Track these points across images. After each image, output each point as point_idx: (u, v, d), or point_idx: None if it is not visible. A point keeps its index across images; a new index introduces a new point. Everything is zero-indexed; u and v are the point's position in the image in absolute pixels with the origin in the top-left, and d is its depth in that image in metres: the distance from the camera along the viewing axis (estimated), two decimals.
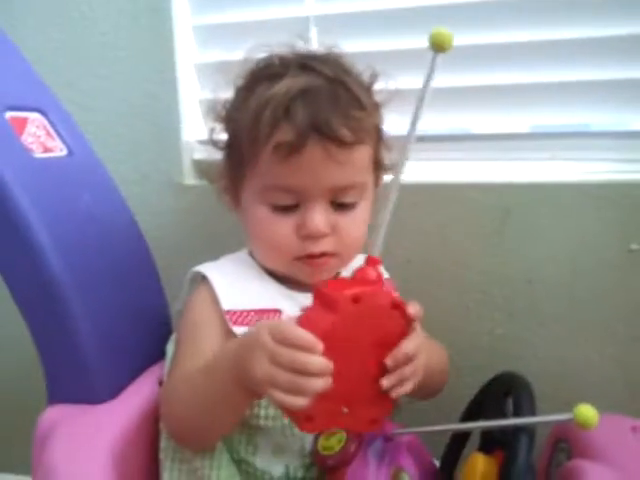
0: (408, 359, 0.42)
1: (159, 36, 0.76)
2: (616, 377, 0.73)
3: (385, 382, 0.41)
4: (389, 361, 0.41)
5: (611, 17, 0.67)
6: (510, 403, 0.51)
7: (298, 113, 0.47)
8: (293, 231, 0.51)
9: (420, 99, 0.40)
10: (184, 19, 0.78)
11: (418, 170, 0.75)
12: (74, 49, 0.79)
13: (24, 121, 0.55)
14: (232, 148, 0.56)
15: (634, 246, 0.69)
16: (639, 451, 0.52)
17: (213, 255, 0.60)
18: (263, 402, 0.50)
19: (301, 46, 0.55)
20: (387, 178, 0.43)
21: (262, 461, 0.51)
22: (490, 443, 0.53)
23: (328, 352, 0.37)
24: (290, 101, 0.48)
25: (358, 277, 0.40)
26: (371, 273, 0.40)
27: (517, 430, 0.45)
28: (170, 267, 0.66)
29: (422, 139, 0.75)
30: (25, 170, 0.51)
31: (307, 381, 0.37)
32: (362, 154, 0.52)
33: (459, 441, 0.59)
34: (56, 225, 0.51)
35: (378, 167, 0.57)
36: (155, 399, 0.54)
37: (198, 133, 0.79)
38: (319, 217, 0.50)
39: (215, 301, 0.52)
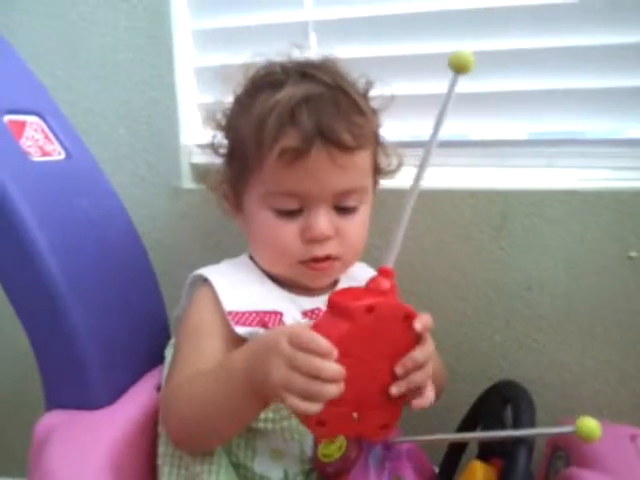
0: (417, 367, 0.42)
1: (158, 39, 0.76)
2: (615, 384, 0.73)
3: (394, 389, 0.42)
4: (398, 369, 0.42)
5: (609, 26, 0.68)
6: (509, 411, 0.51)
7: (303, 118, 0.48)
8: (297, 235, 0.52)
9: (438, 123, 0.41)
10: (183, 23, 0.77)
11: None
12: (72, 52, 0.78)
13: (22, 124, 0.55)
14: (234, 155, 0.56)
15: (633, 253, 0.69)
16: (637, 459, 0.52)
17: (211, 259, 0.59)
18: None
19: (298, 53, 0.56)
20: (405, 188, 0.44)
21: (261, 466, 0.51)
22: (489, 451, 0.53)
23: (341, 359, 0.37)
24: (294, 107, 0.48)
25: (371, 287, 0.41)
26: (384, 283, 0.40)
27: (517, 441, 0.45)
28: (168, 271, 0.66)
29: (420, 145, 0.76)
30: (23, 174, 0.51)
31: (321, 387, 0.37)
32: (363, 159, 0.53)
33: (458, 449, 0.58)
34: (54, 229, 0.50)
35: (376, 171, 0.58)
36: (153, 404, 0.54)
37: (196, 137, 0.79)
38: (324, 221, 0.51)
39: (216, 302, 0.52)
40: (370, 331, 0.39)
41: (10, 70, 0.58)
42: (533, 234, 0.71)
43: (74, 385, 0.51)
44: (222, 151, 0.59)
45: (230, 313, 0.51)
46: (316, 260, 0.53)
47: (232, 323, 0.51)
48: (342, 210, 0.53)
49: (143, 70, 0.77)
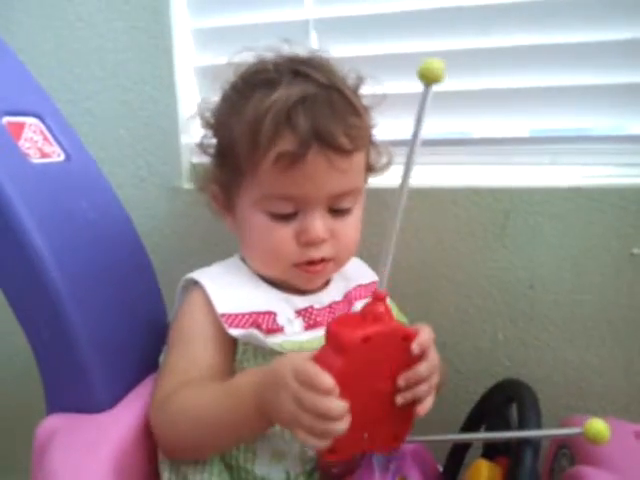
0: (422, 381, 0.43)
1: (158, 39, 0.76)
2: (619, 382, 0.72)
3: (399, 399, 0.43)
4: (401, 382, 0.43)
5: (611, 22, 0.67)
6: (513, 410, 0.50)
7: (299, 121, 0.47)
8: (292, 238, 0.51)
9: (414, 135, 0.39)
10: (183, 22, 0.77)
11: (418, 174, 0.74)
12: (71, 52, 0.78)
13: (21, 126, 0.54)
14: (224, 155, 0.54)
15: (636, 250, 0.69)
16: None
17: (212, 259, 0.59)
18: None
19: (287, 49, 0.55)
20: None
21: (261, 468, 0.51)
22: (494, 450, 0.52)
23: (343, 389, 0.38)
24: (290, 109, 0.47)
25: (367, 312, 0.41)
26: (379, 308, 0.41)
27: (522, 440, 0.45)
28: (169, 272, 0.66)
29: (422, 143, 0.76)
30: (22, 176, 0.50)
31: (328, 425, 0.38)
32: (359, 160, 0.53)
33: (462, 448, 0.58)
34: (53, 231, 0.50)
35: (368, 169, 0.58)
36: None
37: (197, 137, 0.78)
38: (320, 224, 0.51)
39: (209, 305, 0.52)
40: (370, 358, 0.40)
41: (8, 71, 0.57)
42: (536, 232, 0.71)
43: (75, 388, 0.51)
44: (211, 150, 0.58)
45: (223, 315, 0.51)
46: (311, 263, 0.52)
47: (225, 326, 0.50)
48: (336, 212, 0.52)
49: (143, 70, 0.77)
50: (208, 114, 0.57)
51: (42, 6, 0.78)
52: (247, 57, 0.55)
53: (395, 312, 0.58)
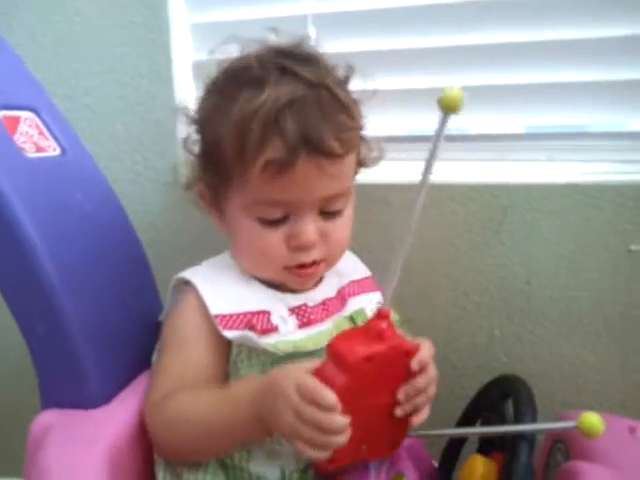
0: (420, 390, 0.44)
1: (155, 33, 0.75)
2: (615, 378, 0.73)
3: (399, 411, 0.44)
4: (401, 396, 0.43)
5: (608, 18, 0.67)
6: (509, 405, 0.51)
7: (287, 126, 0.46)
8: (283, 242, 0.51)
9: (430, 158, 0.39)
10: (181, 17, 0.77)
11: (414, 170, 0.74)
12: (68, 46, 0.78)
13: (16, 120, 0.54)
14: (211, 157, 0.52)
15: (633, 247, 0.69)
16: (637, 452, 0.52)
17: (208, 255, 0.59)
18: None
19: (273, 40, 0.53)
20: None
21: (256, 466, 0.51)
22: (489, 445, 0.52)
23: (344, 404, 0.39)
24: (278, 113, 0.46)
25: (370, 329, 0.41)
26: (382, 325, 0.41)
27: (518, 436, 0.45)
28: (165, 267, 0.65)
29: (418, 139, 0.76)
30: (17, 170, 0.50)
31: (327, 439, 0.39)
32: (350, 161, 0.52)
33: (457, 443, 0.58)
34: (49, 225, 0.50)
35: (359, 165, 0.57)
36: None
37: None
38: (310, 229, 0.50)
39: (202, 307, 0.51)
40: (371, 375, 0.41)
41: (4, 65, 0.57)
42: (534, 228, 0.71)
43: (70, 384, 0.51)
44: (196, 148, 0.56)
45: (217, 317, 0.50)
46: (302, 266, 0.52)
47: (220, 328, 0.50)
48: (327, 213, 0.51)
49: (140, 65, 0.77)
50: (192, 111, 0.55)
51: (41, 1, 0.77)
52: (234, 50, 0.54)
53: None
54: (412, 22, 0.73)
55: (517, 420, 0.47)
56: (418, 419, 0.45)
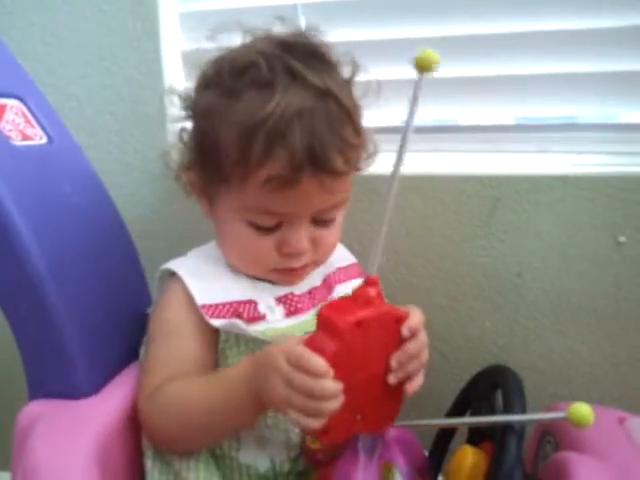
0: (412, 356, 0.44)
1: (144, 22, 0.74)
2: (605, 370, 0.73)
3: (392, 378, 0.43)
4: (393, 362, 0.43)
5: (599, 9, 0.67)
6: (499, 396, 0.51)
7: (295, 140, 0.44)
8: (274, 248, 0.50)
9: (407, 124, 0.40)
10: (170, 6, 0.76)
11: (406, 161, 0.74)
12: (56, 36, 0.77)
13: (2, 108, 0.53)
14: (207, 153, 0.50)
15: (622, 238, 0.69)
16: (626, 442, 0.52)
17: (199, 246, 0.58)
18: None
19: (278, 30, 0.52)
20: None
21: (246, 455, 0.50)
22: (479, 435, 0.52)
23: (336, 371, 0.38)
24: (286, 127, 0.44)
25: (358, 296, 0.41)
26: (370, 292, 0.41)
27: (507, 427, 0.45)
28: (155, 259, 0.65)
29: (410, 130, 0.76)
30: (3, 158, 0.49)
31: (320, 404, 0.39)
32: (351, 174, 0.51)
33: (447, 433, 0.58)
34: (36, 215, 0.49)
35: (357, 171, 0.55)
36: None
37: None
38: (303, 237, 0.50)
39: (188, 297, 0.51)
40: (362, 342, 0.40)
41: None
42: (524, 220, 0.71)
43: (57, 374, 0.50)
44: (188, 136, 0.54)
45: (204, 307, 0.50)
46: (291, 269, 0.52)
47: (206, 317, 0.50)
48: (320, 221, 0.51)
49: (129, 54, 0.76)
50: (186, 99, 0.53)
51: None
52: (233, 38, 0.53)
53: None
54: (402, 12, 0.72)
55: (506, 410, 0.47)
56: (412, 386, 0.44)
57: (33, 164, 0.53)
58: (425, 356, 0.45)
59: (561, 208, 0.70)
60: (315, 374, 0.38)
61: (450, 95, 0.73)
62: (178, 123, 0.57)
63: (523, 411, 0.47)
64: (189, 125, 0.54)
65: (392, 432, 0.49)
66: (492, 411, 0.52)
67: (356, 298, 0.41)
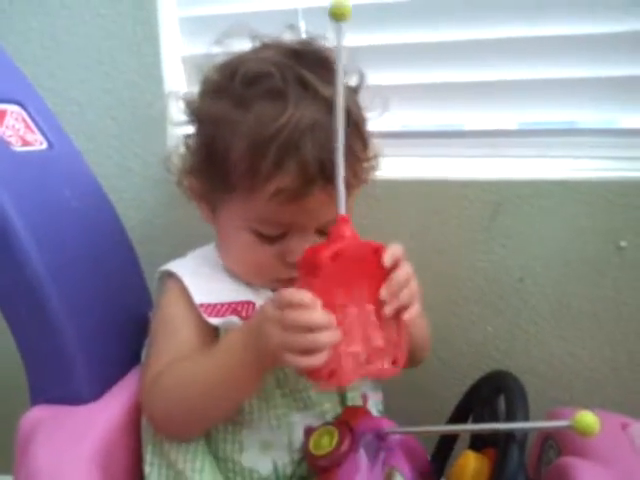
0: (401, 287, 0.43)
1: (144, 27, 0.74)
2: (606, 374, 0.73)
3: (387, 309, 0.43)
4: (383, 294, 0.43)
5: (601, 14, 0.67)
6: (502, 401, 0.50)
7: (306, 154, 0.44)
8: (277, 258, 0.50)
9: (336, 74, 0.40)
10: (170, 10, 0.76)
11: (407, 166, 0.74)
12: (56, 40, 0.76)
13: (2, 113, 0.53)
14: (213, 161, 0.49)
15: (623, 243, 0.69)
16: (629, 448, 0.52)
17: None
18: None
19: (288, 38, 0.52)
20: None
21: (249, 459, 0.50)
22: (481, 441, 0.52)
23: (326, 308, 0.39)
24: (299, 140, 0.44)
25: (332, 235, 0.42)
26: (344, 230, 0.42)
27: (509, 434, 0.45)
28: (155, 263, 0.64)
29: (411, 135, 0.76)
30: (3, 164, 0.49)
31: (316, 337, 0.38)
32: (358, 188, 0.52)
33: (450, 438, 0.58)
34: (36, 220, 0.49)
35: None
36: (138, 400, 0.52)
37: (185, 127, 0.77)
38: (307, 247, 0.49)
39: (186, 297, 0.51)
40: (345, 276, 0.41)
41: None
42: (525, 224, 0.71)
43: (58, 379, 0.50)
44: (190, 141, 0.54)
45: (202, 305, 0.50)
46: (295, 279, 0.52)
47: (204, 315, 0.50)
48: (324, 233, 0.50)
49: (129, 58, 0.75)
50: (190, 104, 0.53)
51: None
52: (236, 43, 0.53)
53: None
54: (404, 17, 0.72)
55: (509, 418, 0.47)
56: (409, 314, 0.44)
57: (33, 170, 0.53)
58: (414, 285, 0.44)
59: (562, 213, 0.70)
60: (303, 307, 0.38)
61: (454, 100, 0.73)
62: (179, 128, 0.57)
63: (526, 418, 0.46)
64: (193, 131, 0.54)
65: (396, 438, 0.49)
66: (495, 417, 0.51)
67: (330, 236, 0.42)
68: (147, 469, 0.50)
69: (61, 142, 0.58)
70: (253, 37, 0.52)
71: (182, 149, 0.56)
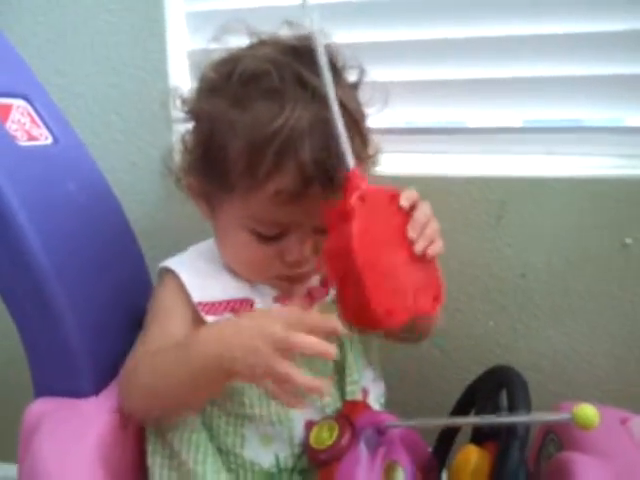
0: (425, 223, 0.45)
1: (151, 22, 0.74)
2: (607, 370, 0.73)
3: (418, 247, 0.44)
4: (410, 233, 0.43)
5: (608, 12, 0.67)
6: (504, 396, 0.51)
7: (305, 155, 0.44)
8: (276, 256, 0.50)
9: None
10: (176, 5, 0.76)
11: (412, 163, 0.74)
12: (62, 35, 0.77)
13: (8, 108, 0.53)
14: (212, 162, 0.49)
15: (628, 240, 0.69)
16: (629, 442, 0.52)
17: None
18: (246, 389, 0.50)
19: (285, 34, 0.52)
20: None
21: (250, 452, 0.51)
22: (483, 435, 0.52)
23: (367, 252, 0.40)
24: (297, 141, 0.44)
25: (351, 186, 0.42)
26: (359, 181, 0.42)
27: (511, 430, 0.45)
28: (158, 258, 0.65)
29: (414, 132, 0.76)
30: (9, 158, 0.50)
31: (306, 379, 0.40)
32: None
33: (451, 432, 0.59)
34: (40, 214, 0.49)
35: None
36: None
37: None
38: (306, 247, 0.50)
39: (184, 293, 0.51)
40: (373, 221, 0.42)
41: None
42: (530, 221, 0.71)
43: (62, 373, 0.51)
44: (188, 139, 0.53)
45: (200, 304, 0.50)
46: (293, 277, 0.52)
47: (202, 314, 0.50)
48: (323, 231, 0.50)
49: (135, 53, 0.76)
50: (190, 104, 0.52)
51: None
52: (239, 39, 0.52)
53: None
54: (408, 14, 0.72)
55: (511, 411, 0.47)
56: (435, 249, 0.45)
57: (38, 164, 0.53)
58: (435, 224, 0.46)
59: (567, 210, 0.70)
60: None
61: (458, 97, 0.73)
62: (183, 124, 0.57)
63: (528, 412, 0.47)
64: (190, 129, 0.54)
65: (396, 431, 0.49)
66: (497, 411, 0.51)
67: (346, 189, 0.42)
68: (150, 460, 0.51)
69: (66, 137, 0.58)
70: (251, 34, 0.52)
71: (181, 147, 0.55)
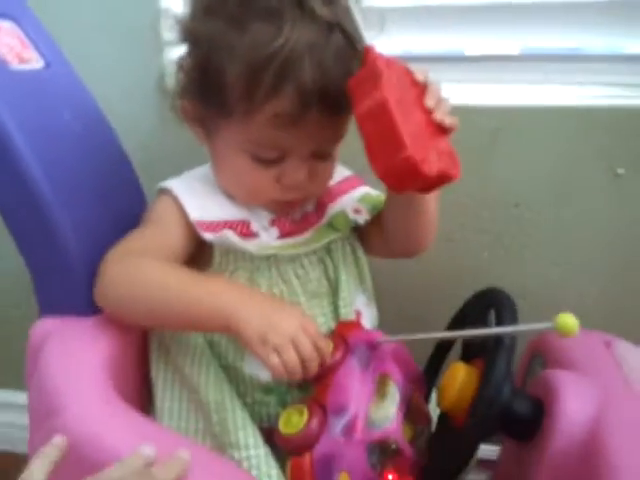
0: (440, 99, 0.46)
1: None
2: (596, 300, 0.75)
3: (437, 115, 0.45)
4: (428, 101, 0.45)
5: None
6: (493, 316, 0.52)
7: (304, 77, 0.44)
8: (273, 180, 0.51)
9: None
10: None
11: None
12: None
13: None
14: (209, 85, 0.48)
15: (620, 170, 0.69)
16: (611, 363, 0.54)
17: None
18: None
19: None
20: None
21: (250, 366, 0.53)
22: (471, 353, 0.55)
23: (398, 109, 0.41)
24: (295, 63, 0.43)
25: (372, 58, 0.43)
26: (376, 54, 0.44)
27: (498, 340, 0.47)
28: (153, 189, 0.65)
29: (410, 59, 0.74)
30: (2, 81, 0.49)
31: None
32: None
33: (442, 351, 0.61)
34: (37, 138, 0.49)
35: None
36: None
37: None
38: (304, 171, 0.50)
39: (181, 211, 0.52)
40: (396, 87, 0.43)
41: None
42: (524, 150, 0.71)
43: (65, 292, 0.52)
44: (184, 62, 0.51)
45: (198, 223, 0.51)
46: (290, 202, 0.53)
47: (200, 230, 0.51)
48: (320, 156, 0.52)
49: None
50: (185, 24, 0.50)
51: None
52: None
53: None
54: None
55: (498, 325, 0.49)
56: (452, 119, 0.46)
57: (32, 88, 0.52)
58: (448, 102, 0.47)
59: (561, 139, 0.69)
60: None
61: (455, 24, 0.71)
62: (174, 48, 0.56)
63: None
64: (186, 52, 0.52)
65: (388, 347, 0.51)
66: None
67: (367, 60, 0.43)
68: (153, 373, 0.53)
69: (58, 61, 0.57)
70: None
71: (177, 71, 0.54)
